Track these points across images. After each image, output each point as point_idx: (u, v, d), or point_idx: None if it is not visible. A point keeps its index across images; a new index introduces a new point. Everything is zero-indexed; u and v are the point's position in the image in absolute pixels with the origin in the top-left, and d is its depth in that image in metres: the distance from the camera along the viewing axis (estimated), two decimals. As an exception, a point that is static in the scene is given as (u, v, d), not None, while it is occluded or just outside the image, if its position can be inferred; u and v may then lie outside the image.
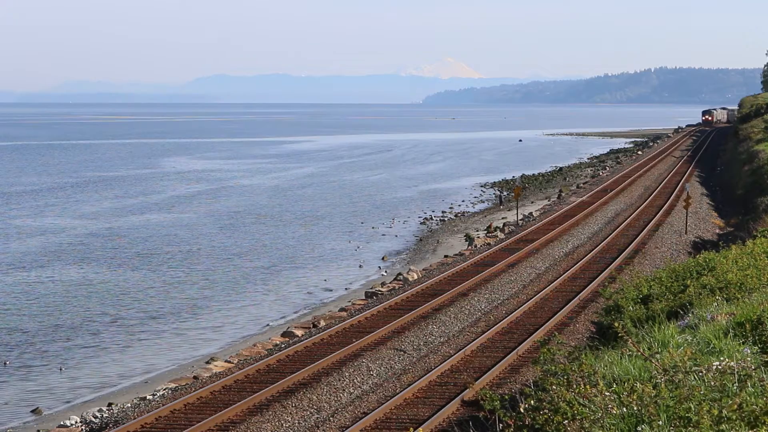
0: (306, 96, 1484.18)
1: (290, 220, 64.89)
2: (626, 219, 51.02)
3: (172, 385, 25.95)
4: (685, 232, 47.09)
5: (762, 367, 10.40)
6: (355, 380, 23.97)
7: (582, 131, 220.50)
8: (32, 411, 26.52)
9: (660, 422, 8.73)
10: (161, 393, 24.91)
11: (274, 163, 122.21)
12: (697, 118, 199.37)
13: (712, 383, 9.40)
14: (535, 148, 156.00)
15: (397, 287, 37.25)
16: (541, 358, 11.26)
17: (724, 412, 8.55)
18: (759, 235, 28.48)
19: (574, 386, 9.65)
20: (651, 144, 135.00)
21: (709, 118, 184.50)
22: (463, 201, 75.43)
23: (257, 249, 52.54)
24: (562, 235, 46.39)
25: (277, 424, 21.04)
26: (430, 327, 29.07)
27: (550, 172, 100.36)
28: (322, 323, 32.20)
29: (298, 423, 21.18)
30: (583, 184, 78.54)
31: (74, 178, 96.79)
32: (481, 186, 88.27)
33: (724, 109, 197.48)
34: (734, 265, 20.76)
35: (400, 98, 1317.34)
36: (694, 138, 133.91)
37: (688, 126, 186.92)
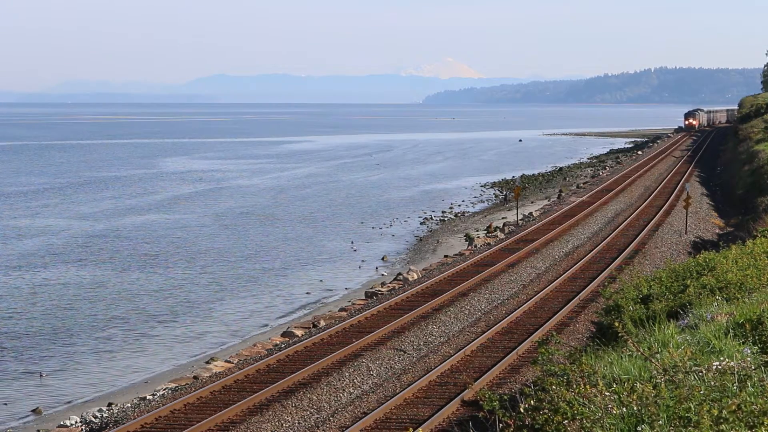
0: (306, 96, 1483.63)
1: (290, 220, 64.89)
2: (626, 219, 51.02)
3: (172, 385, 25.96)
4: (685, 232, 47.09)
5: (762, 367, 10.41)
6: (355, 380, 23.97)
7: (582, 131, 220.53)
8: (32, 411, 26.52)
9: (660, 422, 8.73)
10: (161, 393, 24.91)
11: (274, 163, 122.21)
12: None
13: (712, 383, 9.41)
14: (535, 148, 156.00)
15: (397, 287, 37.25)
16: (540, 358, 11.26)
17: (724, 412, 8.56)
18: (759, 235, 28.46)
19: (574, 386, 9.66)
20: (651, 144, 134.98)
21: (693, 123, 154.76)
22: (463, 201, 75.43)
23: (257, 249, 52.53)
24: (562, 235, 46.39)
25: (277, 424, 21.04)
26: (430, 327, 29.07)
27: (550, 172, 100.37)
28: (322, 323, 32.21)
29: (298, 423, 21.18)
30: (583, 184, 78.56)
31: (74, 179, 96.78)
32: (481, 186, 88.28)
33: (699, 110, 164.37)
34: (734, 265, 20.76)
35: (400, 98, 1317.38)
36: (694, 138, 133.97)
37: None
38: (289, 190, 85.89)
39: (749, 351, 11.58)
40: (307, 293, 41.24)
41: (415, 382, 23.31)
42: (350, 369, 24.66)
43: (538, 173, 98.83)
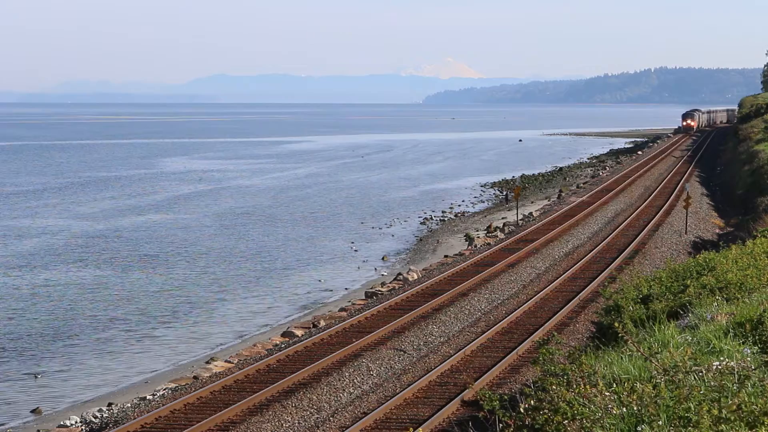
0: (306, 96, 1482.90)
1: (290, 220, 64.90)
2: (626, 219, 51.02)
3: (172, 385, 25.97)
4: (685, 232, 47.09)
5: (762, 367, 10.41)
6: (355, 380, 23.97)
7: (582, 131, 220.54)
8: (32, 411, 26.53)
9: (660, 422, 8.74)
10: (161, 393, 24.92)
11: (274, 163, 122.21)
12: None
13: (712, 383, 9.41)
14: (535, 148, 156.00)
15: (397, 287, 37.25)
16: (540, 358, 11.26)
17: (724, 412, 8.56)
18: (759, 235, 28.47)
19: (574, 386, 9.66)
20: (651, 144, 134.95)
21: (692, 123, 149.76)
22: (463, 201, 75.45)
23: (257, 249, 52.54)
24: (562, 235, 46.39)
25: (277, 424, 21.05)
26: (430, 327, 29.07)
27: (550, 172, 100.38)
28: (322, 323, 32.22)
29: (298, 423, 21.19)
30: (583, 184, 78.56)
31: (74, 179, 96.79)
32: (481, 186, 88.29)
33: (698, 110, 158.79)
34: (734, 265, 20.75)
35: (400, 98, 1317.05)
36: (694, 138, 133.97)
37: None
38: (290, 190, 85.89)
39: (749, 351, 11.59)
40: (307, 293, 41.25)
41: (415, 382, 23.31)
42: (350, 369, 24.66)
43: (538, 173, 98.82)
